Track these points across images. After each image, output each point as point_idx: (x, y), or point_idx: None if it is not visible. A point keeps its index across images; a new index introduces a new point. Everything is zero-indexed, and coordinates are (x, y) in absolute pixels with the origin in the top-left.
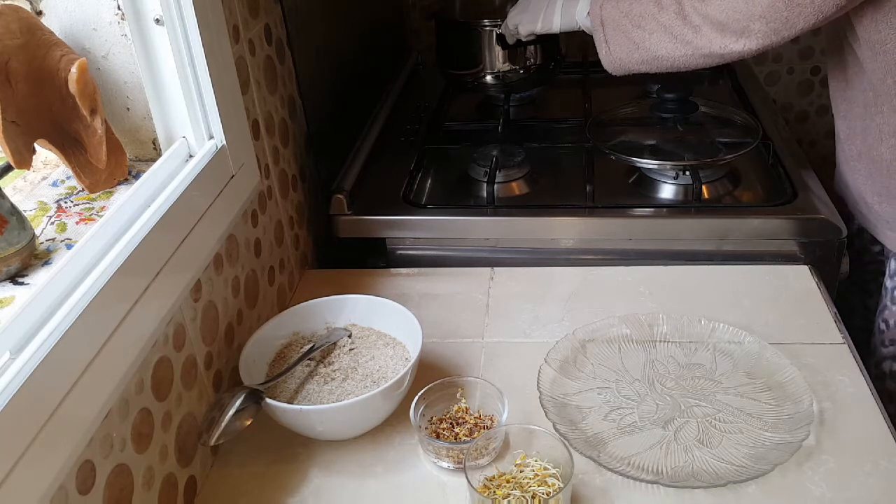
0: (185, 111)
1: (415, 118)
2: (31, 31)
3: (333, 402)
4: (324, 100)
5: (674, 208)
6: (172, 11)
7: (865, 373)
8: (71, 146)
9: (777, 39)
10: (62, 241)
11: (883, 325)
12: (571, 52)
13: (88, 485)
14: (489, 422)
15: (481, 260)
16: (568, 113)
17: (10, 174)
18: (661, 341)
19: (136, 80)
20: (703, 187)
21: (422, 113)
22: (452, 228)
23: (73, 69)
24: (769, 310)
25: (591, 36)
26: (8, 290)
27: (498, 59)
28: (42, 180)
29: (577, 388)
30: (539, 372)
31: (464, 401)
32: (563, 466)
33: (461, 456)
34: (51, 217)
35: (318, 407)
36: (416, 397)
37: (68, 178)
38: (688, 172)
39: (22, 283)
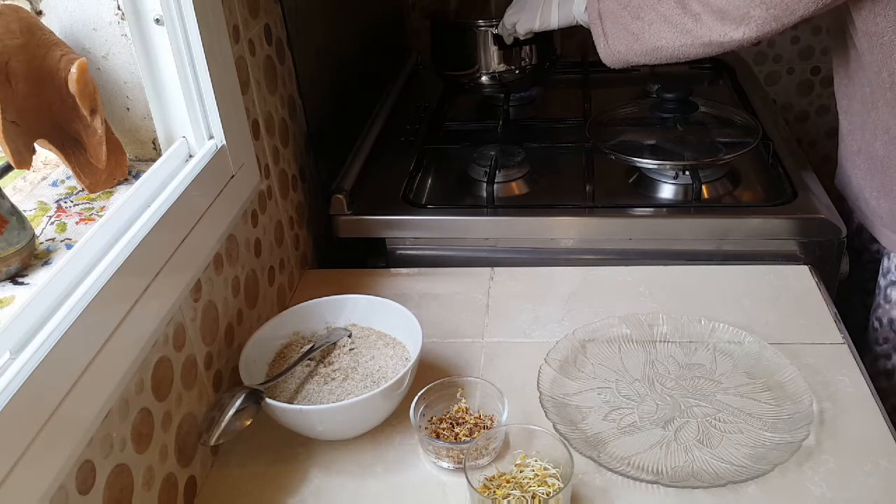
0: (185, 111)
1: (415, 118)
2: (31, 30)
3: (333, 402)
4: (324, 100)
5: (674, 208)
6: (172, 11)
7: (865, 373)
8: (71, 146)
9: (777, 26)
10: (62, 241)
11: (876, 324)
12: (571, 51)
13: (88, 485)
14: (489, 422)
15: (481, 260)
16: (568, 113)
17: (10, 174)
18: (661, 341)
19: (136, 80)
20: (703, 187)
21: (422, 113)
22: (452, 228)
23: (73, 69)
24: (769, 310)
25: (590, 34)
26: (8, 290)
27: (493, 60)
28: (42, 180)
29: (577, 388)
30: (539, 372)
31: (464, 401)
32: (563, 466)
33: (461, 456)
34: (51, 217)
35: (318, 407)
36: (416, 397)
37: (68, 178)
38: (687, 172)
39: (22, 283)
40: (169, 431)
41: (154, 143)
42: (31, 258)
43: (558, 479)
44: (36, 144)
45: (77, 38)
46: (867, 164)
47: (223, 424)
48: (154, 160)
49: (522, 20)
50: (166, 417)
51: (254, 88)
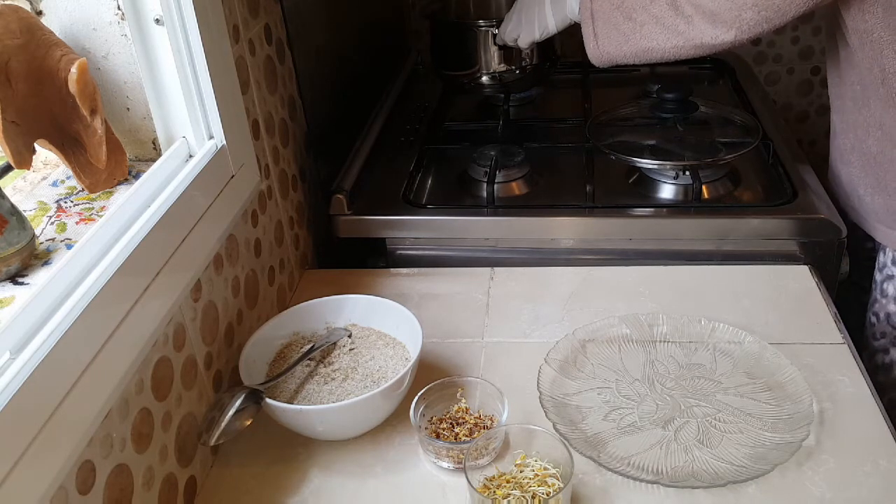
0: (185, 111)
1: (415, 118)
2: (31, 31)
3: (333, 402)
4: (324, 100)
5: (674, 208)
6: (172, 11)
7: (865, 373)
8: (71, 146)
9: (768, 28)
10: (62, 241)
11: (874, 319)
12: (571, 51)
13: (88, 485)
14: (489, 422)
15: (481, 260)
16: (568, 113)
17: (10, 174)
18: (661, 341)
19: (136, 80)
20: (703, 187)
21: (422, 113)
22: (452, 228)
23: (73, 69)
24: (769, 310)
25: None
26: (8, 290)
27: (494, 60)
28: (42, 180)
29: (577, 388)
30: (539, 372)
31: (464, 401)
32: (563, 466)
33: (461, 456)
34: (51, 217)
35: (318, 407)
36: (416, 397)
37: (68, 178)
38: (688, 172)
39: (22, 283)
40: (169, 431)
41: (154, 143)
42: (31, 258)
43: (558, 479)
44: (36, 144)
45: (77, 38)
46: (860, 161)
47: (223, 424)
48: (154, 160)
49: (523, 34)
50: (166, 417)
51: (254, 88)
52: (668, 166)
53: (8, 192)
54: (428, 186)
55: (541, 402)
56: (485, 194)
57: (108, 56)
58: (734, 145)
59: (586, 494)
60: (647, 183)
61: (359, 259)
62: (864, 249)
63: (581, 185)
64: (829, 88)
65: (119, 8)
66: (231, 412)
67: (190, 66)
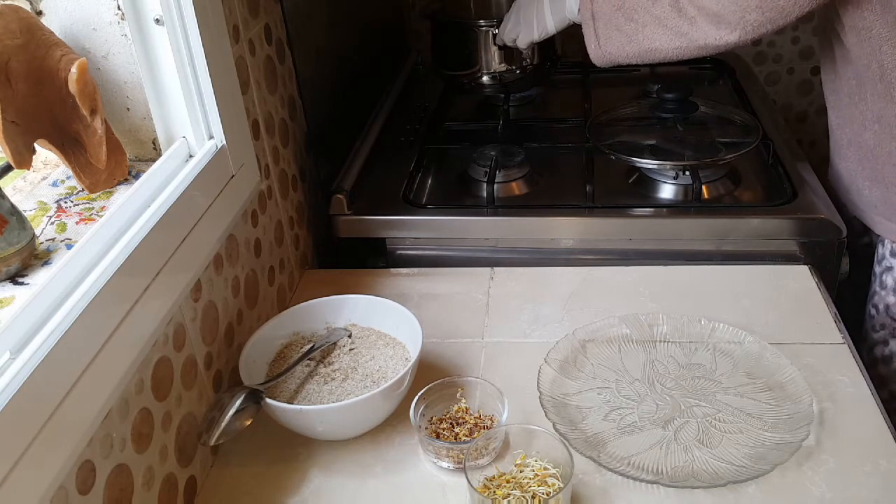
0: (185, 111)
1: (415, 118)
2: (31, 31)
3: (333, 402)
4: (324, 100)
5: (674, 208)
6: (172, 11)
7: (865, 373)
8: (71, 146)
9: (771, 28)
10: (62, 241)
11: (873, 311)
12: (571, 51)
13: (88, 485)
14: (489, 422)
15: (481, 260)
16: (568, 113)
17: (10, 174)
18: (661, 341)
19: (136, 80)
20: (703, 187)
21: (422, 113)
22: (452, 228)
23: (73, 69)
24: (769, 310)
25: None
26: (8, 290)
27: (494, 60)
28: (42, 180)
29: (577, 388)
30: (539, 372)
31: (464, 401)
32: (563, 466)
33: (461, 456)
34: (51, 217)
35: (318, 407)
36: (416, 397)
37: (68, 178)
38: (688, 172)
39: (22, 283)
40: (169, 431)
41: (154, 143)
42: (31, 258)
43: (558, 479)
44: (36, 144)
45: (77, 38)
46: (858, 155)
47: (223, 424)
48: (154, 160)
49: (522, 34)
50: (166, 417)
51: (254, 88)
52: (668, 166)
53: (8, 192)
54: (428, 186)
55: (541, 402)
56: (485, 194)
57: (108, 56)
58: (734, 145)
59: (586, 494)
60: (647, 183)
61: (359, 259)
62: (860, 244)
63: (581, 185)
64: (823, 84)
65: (119, 8)
66: (231, 412)
67: (190, 66)
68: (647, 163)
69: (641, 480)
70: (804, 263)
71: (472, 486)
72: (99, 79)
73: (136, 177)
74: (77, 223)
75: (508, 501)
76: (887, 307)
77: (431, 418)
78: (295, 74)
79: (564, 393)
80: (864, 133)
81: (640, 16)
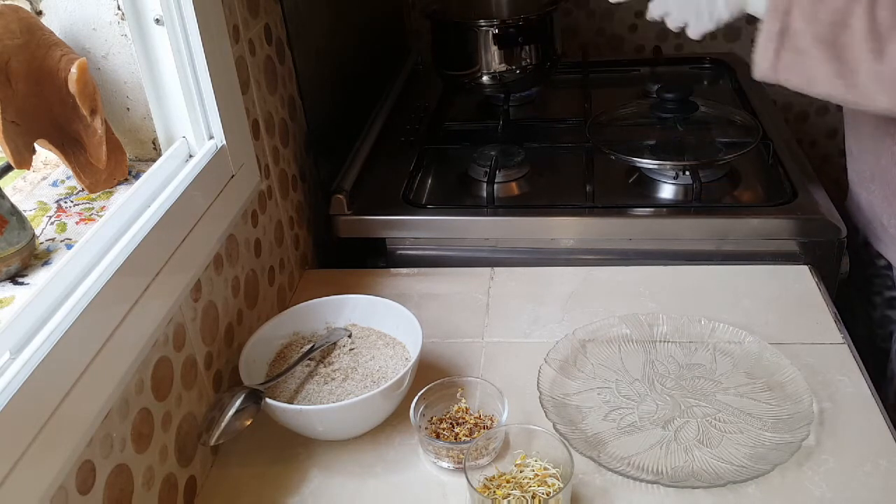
0: (185, 111)
1: (415, 118)
2: (31, 30)
3: (333, 402)
4: (324, 100)
5: (674, 208)
6: (172, 11)
7: (865, 373)
8: (71, 146)
9: None
10: (62, 241)
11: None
12: (571, 51)
13: (88, 485)
14: (489, 422)
15: (481, 260)
16: (568, 113)
17: (10, 174)
18: (661, 341)
19: (136, 80)
20: (703, 187)
21: (421, 113)
22: (452, 228)
23: (73, 69)
24: (769, 310)
25: (596, 35)
26: (8, 290)
27: (494, 60)
28: (42, 180)
29: (577, 388)
30: (539, 372)
31: (464, 401)
32: (563, 466)
33: (461, 456)
34: (51, 217)
35: (318, 407)
36: (416, 397)
37: (68, 178)
38: (688, 172)
39: (22, 283)
40: (169, 431)
41: (154, 143)
42: (31, 258)
43: (558, 479)
44: (36, 144)
45: (77, 38)
46: (883, 191)
47: (223, 424)
48: (154, 160)
49: (693, 24)
50: (166, 417)
51: (254, 88)
52: (668, 166)
53: (8, 192)
54: (428, 186)
55: (541, 402)
56: (485, 194)
57: (108, 56)
58: (734, 145)
59: (586, 494)
60: (646, 183)
61: (359, 259)
62: (874, 265)
63: (581, 185)
64: (844, 110)
65: (119, 8)
66: (231, 412)
67: (190, 66)
68: (647, 163)
69: (641, 480)
70: (804, 263)
71: (472, 486)
72: (99, 79)
73: (136, 177)
74: (77, 223)
75: (508, 501)
76: None
77: (431, 418)
78: (295, 74)
79: (564, 393)
80: (891, 169)
81: (849, 63)
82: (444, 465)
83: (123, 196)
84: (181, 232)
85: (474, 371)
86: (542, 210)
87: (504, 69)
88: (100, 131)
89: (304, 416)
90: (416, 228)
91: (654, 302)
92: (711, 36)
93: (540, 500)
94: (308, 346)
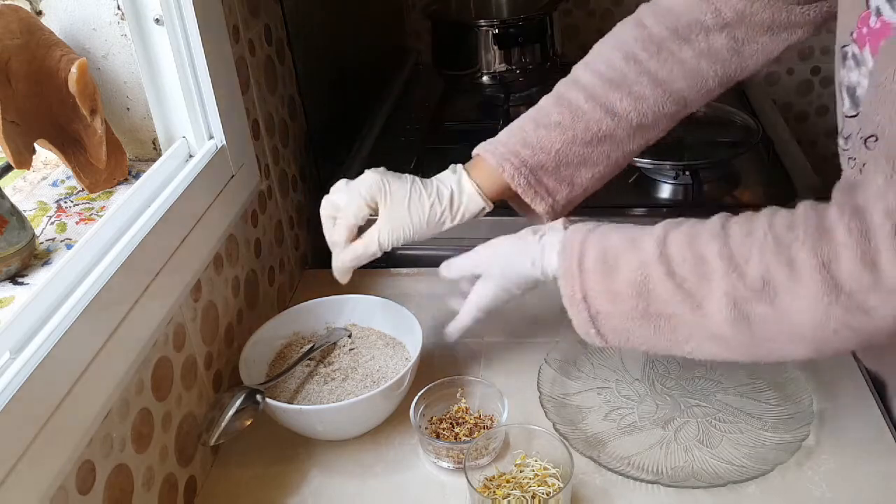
0: (185, 111)
1: (415, 118)
2: (31, 31)
3: (333, 402)
4: (324, 100)
5: (673, 208)
6: (172, 11)
7: (865, 373)
8: (71, 146)
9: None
10: (62, 241)
11: None
12: (572, 51)
13: (88, 485)
14: (489, 422)
15: None
16: None
17: (10, 174)
18: None
19: (136, 80)
20: (703, 187)
21: (422, 113)
22: (452, 228)
23: (73, 69)
24: None
25: (596, 34)
26: (8, 290)
27: (494, 60)
28: (42, 180)
29: (577, 388)
30: (539, 372)
31: (464, 401)
32: (562, 466)
33: (461, 456)
34: (51, 217)
35: (318, 407)
36: (416, 397)
37: (68, 178)
38: (688, 172)
39: (22, 283)
40: (169, 431)
41: (154, 143)
42: (30, 258)
43: (558, 479)
44: (36, 144)
45: (77, 39)
46: None
47: (223, 424)
48: (154, 160)
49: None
50: (166, 417)
51: (254, 88)
52: (667, 166)
53: (8, 192)
54: None
55: (541, 402)
56: None
57: (107, 56)
58: (734, 145)
59: (586, 494)
60: (646, 183)
61: None
62: None
63: None
64: None
65: (119, 8)
66: (231, 412)
67: (190, 66)
68: (646, 163)
69: (641, 480)
70: None
71: (472, 485)
72: (99, 79)
73: (136, 177)
74: (77, 223)
75: (508, 501)
76: None
77: (431, 418)
78: (295, 74)
79: (564, 393)
80: None
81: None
82: (444, 465)
83: (123, 196)
84: (181, 232)
85: (474, 371)
86: None
87: (504, 69)
88: (100, 131)
89: (305, 416)
90: None
91: None
92: None
93: (540, 500)
94: (308, 346)
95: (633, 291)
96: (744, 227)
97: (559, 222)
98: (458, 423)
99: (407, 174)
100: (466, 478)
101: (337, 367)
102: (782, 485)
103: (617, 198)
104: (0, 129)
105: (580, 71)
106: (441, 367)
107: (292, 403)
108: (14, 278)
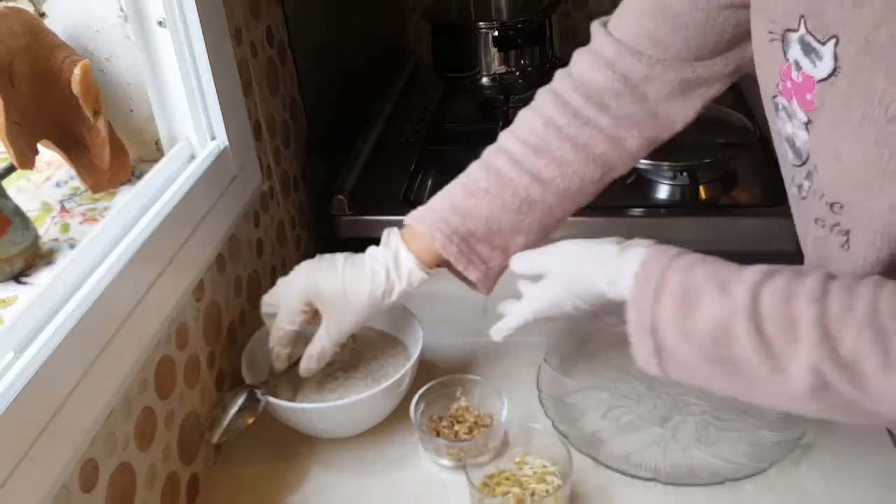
0: (188, 112)
1: (415, 119)
2: (35, 32)
3: (334, 401)
4: (325, 101)
5: (671, 209)
6: (175, 14)
7: None
8: (74, 147)
9: None
10: (65, 241)
11: None
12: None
13: (91, 483)
14: (489, 420)
15: None
16: None
17: (14, 175)
18: None
19: (139, 82)
20: (701, 188)
21: (422, 114)
22: None
23: (77, 71)
24: None
25: (588, 40)
26: (11, 289)
27: (494, 62)
28: (45, 181)
29: (576, 386)
30: (538, 371)
31: (463, 399)
32: (562, 464)
33: (461, 454)
34: (54, 217)
35: (320, 405)
36: (417, 396)
37: (71, 178)
38: (685, 173)
39: (25, 283)
40: (172, 430)
41: (157, 144)
42: (34, 258)
43: (557, 477)
44: (39, 145)
45: (80, 40)
46: None
47: (225, 423)
48: (157, 161)
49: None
50: (169, 416)
51: (256, 90)
52: (665, 167)
53: (12, 192)
54: (428, 187)
55: (540, 400)
56: None
57: (111, 58)
58: (732, 146)
59: (585, 492)
60: (644, 183)
61: None
62: None
63: None
64: None
65: (122, 10)
66: (233, 410)
67: (192, 67)
68: (644, 163)
69: (640, 478)
70: (801, 264)
71: (471, 483)
72: (102, 80)
73: (139, 177)
74: (80, 223)
75: (508, 499)
76: None
77: (431, 417)
78: (296, 76)
79: (563, 391)
80: None
81: (745, 377)
82: (445, 463)
83: (126, 196)
84: (184, 232)
85: (474, 370)
86: None
87: (504, 71)
88: (103, 132)
89: (306, 415)
90: None
91: None
92: None
93: (539, 498)
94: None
95: (711, 336)
96: (846, 298)
97: (639, 242)
98: (457, 422)
99: (339, 257)
100: (466, 476)
101: (338, 366)
102: (780, 483)
103: (615, 199)
104: (4, 129)
105: (505, 138)
106: (441, 366)
107: (294, 402)
108: (17, 278)
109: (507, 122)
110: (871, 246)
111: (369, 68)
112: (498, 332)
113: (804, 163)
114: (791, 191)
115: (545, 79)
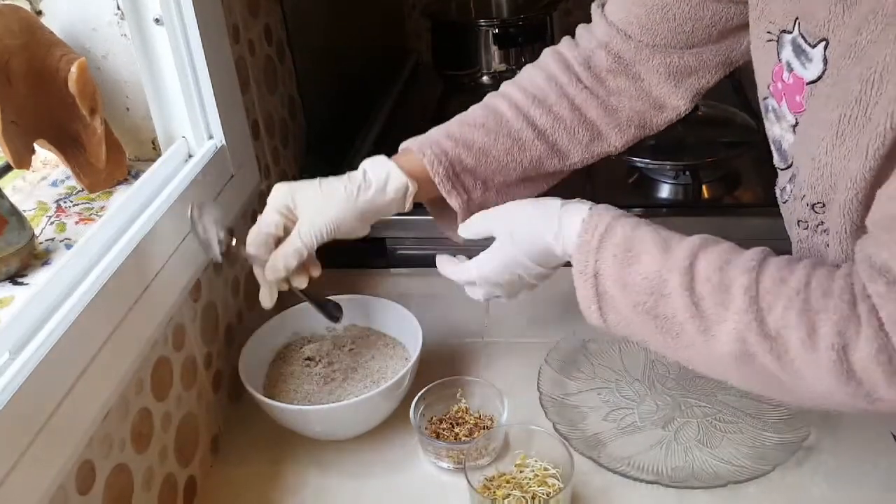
0: (185, 111)
1: (415, 118)
2: (31, 30)
3: (333, 402)
4: (324, 100)
5: (674, 208)
6: (172, 11)
7: None
8: (70, 146)
9: None
10: (62, 241)
11: None
12: None
13: (88, 485)
14: (489, 422)
15: None
16: None
17: (10, 174)
18: None
19: (136, 80)
20: (703, 187)
21: (421, 112)
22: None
23: (73, 69)
24: None
25: None
26: (7, 290)
27: (494, 59)
28: (41, 180)
29: (577, 388)
30: (539, 372)
31: (464, 401)
32: (563, 467)
33: (461, 456)
34: (50, 217)
35: (318, 407)
36: (416, 397)
37: (68, 178)
38: (688, 172)
39: (21, 284)
40: (168, 431)
41: (154, 143)
42: (30, 258)
43: (558, 480)
44: (35, 144)
45: (77, 38)
46: None
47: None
48: (154, 160)
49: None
50: (166, 417)
51: (254, 88)
52: (667, 166)
53: (7, 192)
54: None
55: (541, 402)
56: None
57: (107, 56)
58: (734, 145)
59: (586, 495)
60: (647, 183)
61: (359, 259)
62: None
63: (581, 185)
64: None
65: (119, 8)
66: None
67: (190, 66)
68: (647, 162)
69: (641, 481)
70: None
71: (472, 486)
72: (99, 79)
73: (136, 176)
74: (76, 223)
75: (508, 502)
76: None
77: (431, 418)
78: (295, 74)
79: (564, 393)
80: None
81: (676, 336)
82: (444, 465)
83: (123, 196)
84: (181, 232)
85: (474, 371)
86: None
87: (504, 69)
88: (99, 131)
89: (304, 416)
90: (416, 228)
91: None
92: None
93: (540, 501)
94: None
95: (647, 289)
96: (780, 272)
97: (581, 200)
98: (457, 424)
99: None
100: (466, 478)
101: (337, 367)
102: (782, 485)
103: (616, 198)
104: (0, 129)
105: (507, 86)
106: (441, 367)
107: (292, 403)
108: (13, 278)
109: None
110: (848, 243)
111: (369, 66)
112: (442, 267)
113: (789, 166)
114: (777, 194)
115: None
